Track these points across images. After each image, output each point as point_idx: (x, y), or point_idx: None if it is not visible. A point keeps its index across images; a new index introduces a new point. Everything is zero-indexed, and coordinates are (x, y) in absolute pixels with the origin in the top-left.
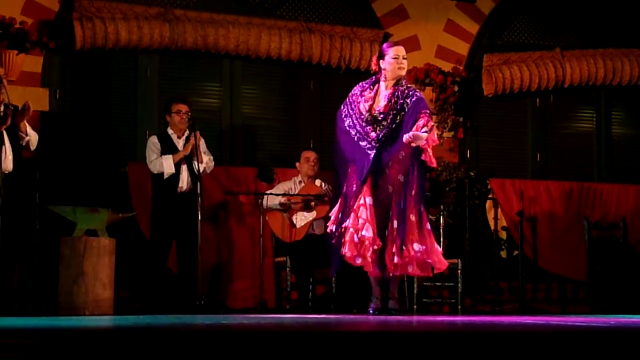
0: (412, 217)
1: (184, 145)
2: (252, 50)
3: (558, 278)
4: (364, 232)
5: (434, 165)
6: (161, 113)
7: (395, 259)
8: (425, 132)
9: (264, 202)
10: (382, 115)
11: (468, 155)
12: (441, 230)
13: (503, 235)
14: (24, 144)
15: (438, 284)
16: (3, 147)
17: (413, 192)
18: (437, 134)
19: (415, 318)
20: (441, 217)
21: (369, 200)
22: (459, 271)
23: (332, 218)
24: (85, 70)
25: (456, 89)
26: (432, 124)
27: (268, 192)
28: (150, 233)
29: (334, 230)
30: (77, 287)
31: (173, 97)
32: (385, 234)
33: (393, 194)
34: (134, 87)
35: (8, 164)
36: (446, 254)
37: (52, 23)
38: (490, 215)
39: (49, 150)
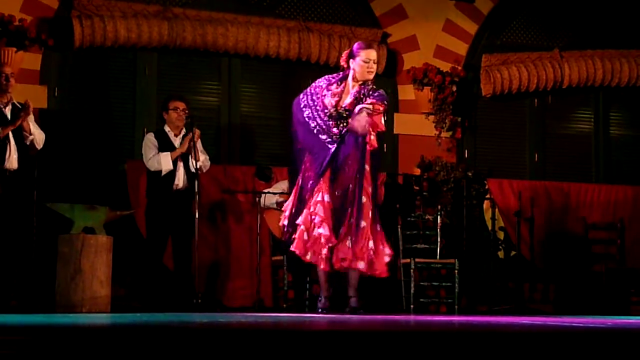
0: (370, 214)
1: (181, 143)
2: (250, 49)
3: (556, 278)
4: (320, 230)
5: (375, 146)
6: (159, 111)
7: (347, 254)
8: (369, 108)
9: (262, 200)
10: (347, 113)
11: (466, 155)
12: (438, 230)
13: (500, 235)
14: (28, 143)
15: (435, 283)
16: (8, 145)
17: (370, 190)
18: (435, 134)
19: (412, 318)
20: (439, 216)
21: (326, 197)
22: (456, 271)
23: (286, 213)
24: (84, 68)
25: (454, 89)
26: (381, 110)
27: (266, 190)
28: (146, 231)
29: (286, 225)
30: (75, 284)
31: (170, 95)
32: (339, 230)
33: (350, 191)
34: (132, 85)
35: (12, 162)
36: (443, 254)
37: (51, 20)
38: (488, 216)
39: (47, 148)
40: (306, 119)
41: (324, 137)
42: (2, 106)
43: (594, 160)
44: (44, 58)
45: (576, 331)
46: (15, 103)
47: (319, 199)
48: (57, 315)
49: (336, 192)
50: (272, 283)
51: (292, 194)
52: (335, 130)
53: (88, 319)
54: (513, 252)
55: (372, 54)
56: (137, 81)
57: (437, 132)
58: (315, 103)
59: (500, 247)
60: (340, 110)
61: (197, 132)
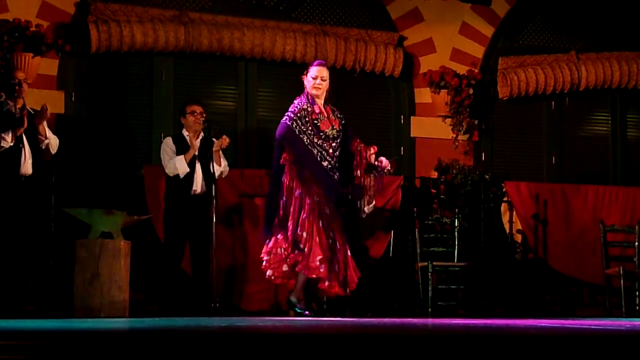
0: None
1: (199, 147)
2: (267, 52)
3: (574, 281)
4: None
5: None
6: (176, 116)
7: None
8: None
9: None
10: (338, 133)
11: (483, 158)
12: (456, 233)
13: (518, 238)
14: (43, 147)
15: (453, 287)
16: (22, 150)
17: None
18: (452, 137)
19: (430, 321)
20: (456, 220)
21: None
22: (474, 274)
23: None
24: (100, 73)
25: (471, 91)
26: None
27: None
28: (164, 236)
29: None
30: (93, 289)
31: (187, 99)
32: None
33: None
34: (149, 89)
35: (27, 168)
36: (461, 257)
37: (68, 26)
38: (505, 218)
39: (65, 153)
40: (308, 147)
41: (325, 163)
42: (15, 112)
43: (611, 162)
44: (61, 63)
45: (593, 334)
46: (29, 109)
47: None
48: (76, 320)
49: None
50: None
51: (293, 215)
52: (330, 151)
53: (106, 323)
54: (531, 255)
55: (321, 71)
56: (154, 86)
57: (454, 135)
58: (307, 127)
59: (518, 249)
60: (335, 131)
61: (226, 139)
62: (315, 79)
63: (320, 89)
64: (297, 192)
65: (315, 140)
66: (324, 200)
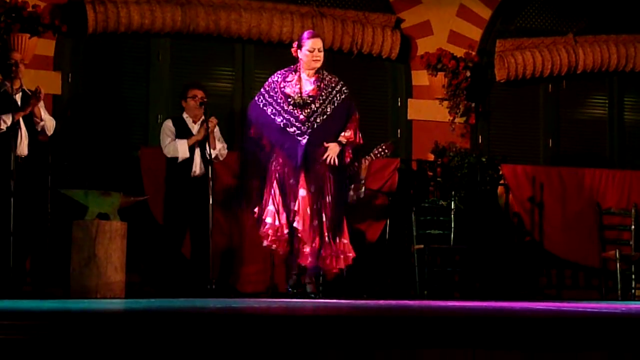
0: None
1: (199, 130)
2: (264, 34)
3: (570, 264)
4: (296, 225)
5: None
6: (175, 98)
7: (327, 250)
8: (345, 141)
9: None
10: (310, 99)
11: (480, 141)
12: (452, 215)
13: (514, 221)
14: (39, 129)
15: (449, 269)
16: (19, 131)
17: (335, 188)
18: (449, 119)
19: (425, 303)
20: (452, 202)
21: (302, 192)
22: (470, 257)
23: (270, 208)
24: (97, 54)
25: (468, 74)
26: (356, 124)
27: None
28: (163, 217)
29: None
30: (89, 270)
31: (189, 83)
32: (316, 225)
33: (323, 187)
34: (146, 71)
35: (23, 149)
36: (457, 240)
37: (65, 6)
38: (502, 201)
39: (61, 134)
40: (271, 116)
41: (292, 129)
42: (12, 92)
43: (608, 145)
44: (58, 44)
45: (589, 317)
46: (26, 90)
47: (302, 194)
48: (72, 301)
49: (311, 189)
50: (285, 269)
51: (268, 190)
52: (301, 117)
53: (102, 304)
54: (527, 238)
55: (317, 42)
56: (150, 67)
57: (451, 118)
58: (276, 97)
59: (514, 232)
60: (304, 97)
61: (214, 120)
62: (312, 51)
63: (319, 60)
64: (270, 165)
65: (285, 107)
66: (288, 170)
